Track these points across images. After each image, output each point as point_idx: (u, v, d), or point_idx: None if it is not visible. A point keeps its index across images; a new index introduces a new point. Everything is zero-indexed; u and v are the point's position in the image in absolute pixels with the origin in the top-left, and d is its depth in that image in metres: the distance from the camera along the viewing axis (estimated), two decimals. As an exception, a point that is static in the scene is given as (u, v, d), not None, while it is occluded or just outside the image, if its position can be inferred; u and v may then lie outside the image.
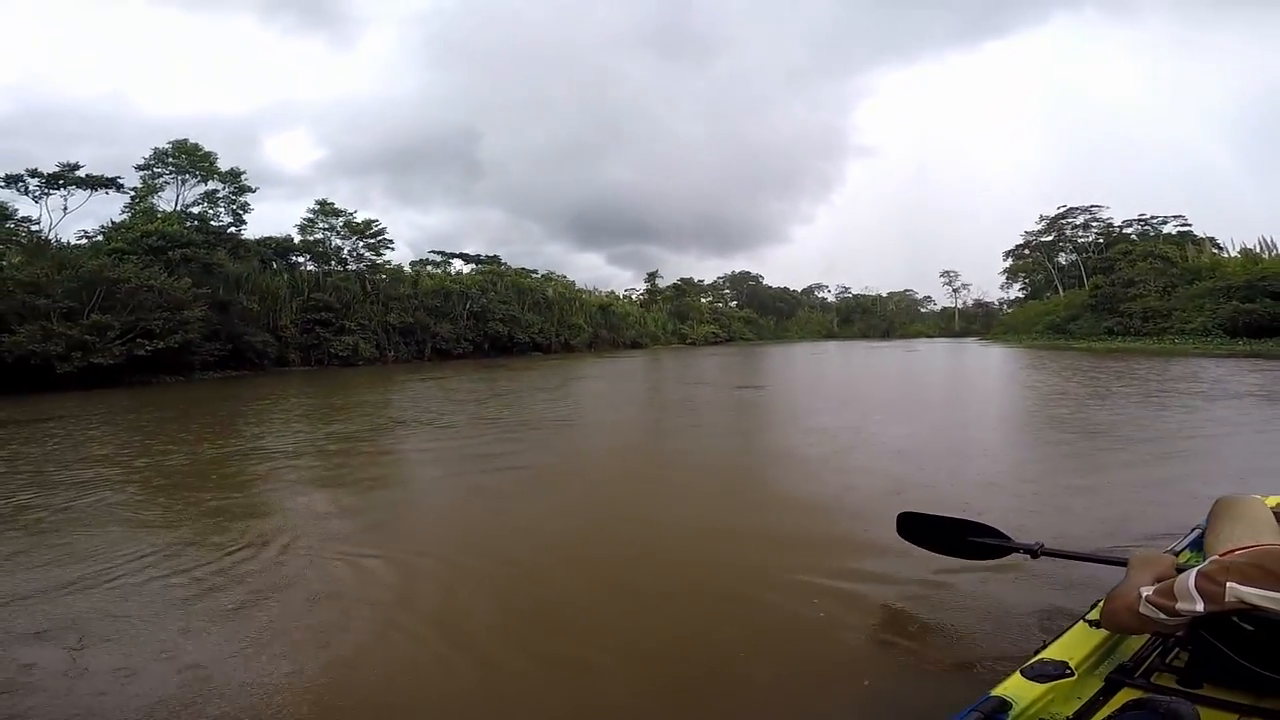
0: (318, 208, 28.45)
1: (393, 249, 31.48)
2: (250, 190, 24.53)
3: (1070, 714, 1.31)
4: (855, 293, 78.34)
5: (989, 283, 76.75)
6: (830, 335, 68.05)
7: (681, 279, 61.36)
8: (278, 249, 26.54)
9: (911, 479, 4.76)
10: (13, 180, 19.26)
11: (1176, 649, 1.49)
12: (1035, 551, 2.27)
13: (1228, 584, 1.18)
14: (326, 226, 28.54)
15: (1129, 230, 44.70)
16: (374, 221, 29.95)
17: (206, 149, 22.96)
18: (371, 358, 27.32)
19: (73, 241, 20.34)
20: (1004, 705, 1.26)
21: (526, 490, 4.87)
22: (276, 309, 23.73)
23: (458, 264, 41.80)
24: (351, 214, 29.13)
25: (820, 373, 19.28)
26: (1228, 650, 1.26)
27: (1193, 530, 2.07)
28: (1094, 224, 47.68)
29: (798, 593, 2.76)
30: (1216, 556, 1.30)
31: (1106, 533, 3.31)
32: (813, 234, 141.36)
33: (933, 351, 31.51)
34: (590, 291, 48.42)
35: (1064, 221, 48.86)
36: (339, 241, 28.91)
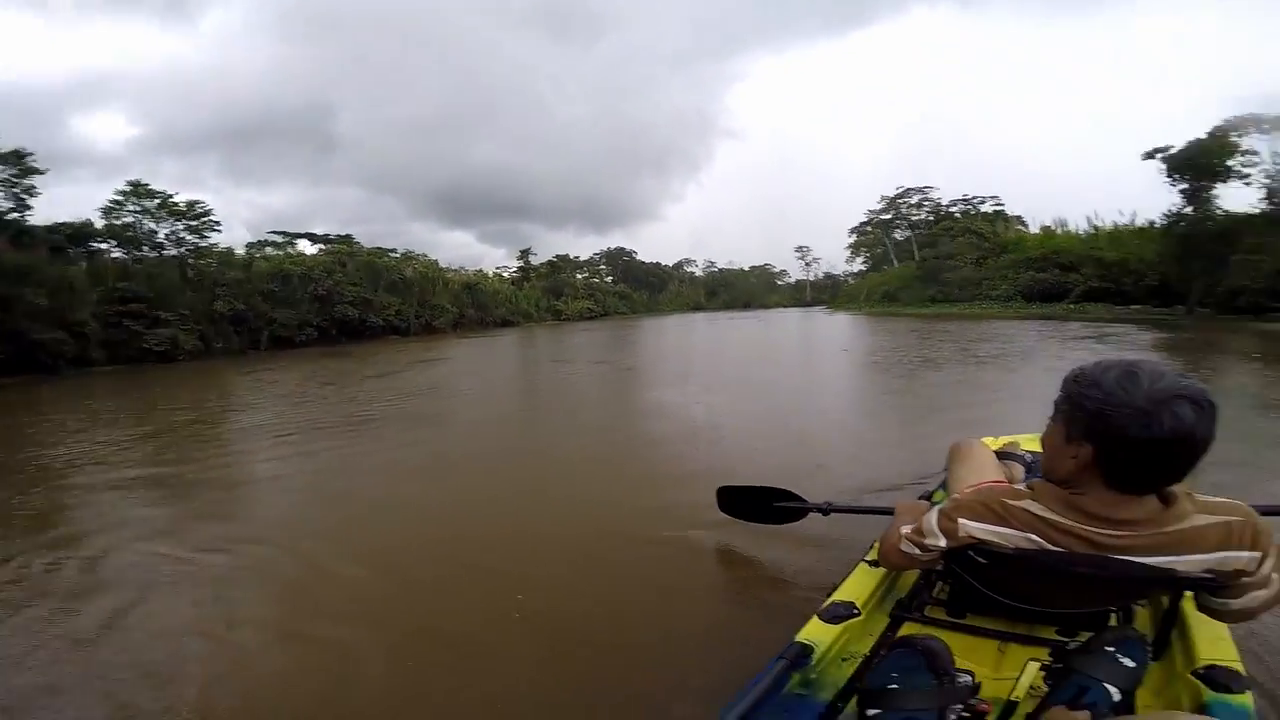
0: (129, 189, 25.25)
1: (219, 231, 28.74)
2: (38, 172, 21.34)
3: (867, 650, 1.41)
4: (720, 267, 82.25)
5: (837, 257, 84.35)
6: (698, 307, 70.98)
7: (557, 256, 61.32)
8: (74, 236, 23.36)
9: (745, 449, 5.18)
10: None
11: (939, 583, 1.62)
12: (826, 510, 2.53)
13: (959, 520, 1.26)
14: (139, 209, 25.41)
15: (954, 209, 50.05)
16: (198, 203, 27.19)
17: None
18: (195, 351, 24.95)
19: None
20: (806, 649, 1.33)
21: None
22: (72, 302, 21.00)
23: (304, 244, 39.05)
24: (170, 195, 26.15)
25: (683, 344, 20.47)
26: (974, 582, 1.35)
27: (941, 473, 2.23)
28: (926, 203, 52.99)
29: (621, 566, 2.94)
30: (954, 496, 1.38)
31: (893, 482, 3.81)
32: (683, 211, 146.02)
33: (782, 321, 34.61)
34: (456, 270, 46.99)
35: (901, 201, 53.90)
36: (153, 225, 25.88)
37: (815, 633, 1.41)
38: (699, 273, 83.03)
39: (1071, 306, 28.25)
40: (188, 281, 26.31)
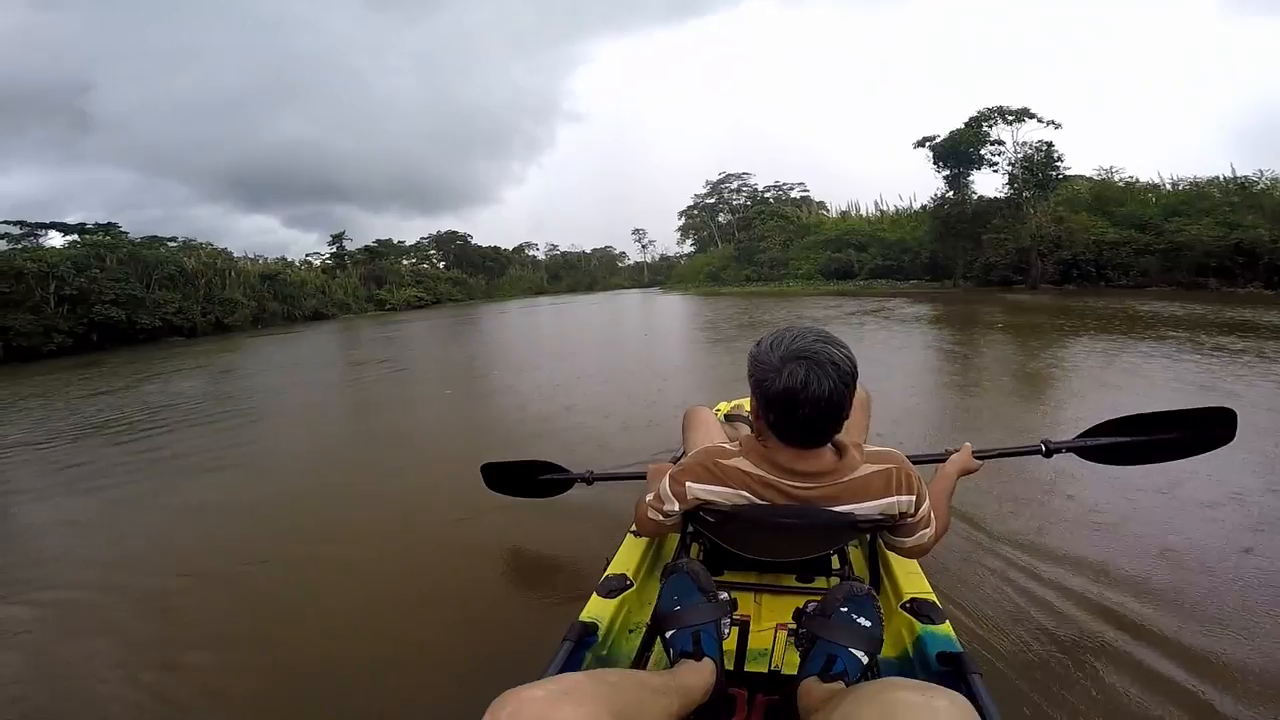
0: None
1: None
2: None
3: (649, 619, 1.41)
4: (563, 250, 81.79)
5: (670, 239, 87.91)
6: (541, 291, 70.13)
7: (377, 240, 56.77)
8: None
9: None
10: None
11: (693, 544, 1.64)
12: (589, 479, 2.53)
13: (686, 483, 1.31)
14: None
15: (768, 194, 53.85)
16: None
17: None
18: (-111, 371, 20.00)
19: None
20: (590, 627, 1.34)
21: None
22: None
23: (54, 236, 32.70)
24: None
25: (528, 333, 19.92)
26: (715, 539, 1.39)
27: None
28: (745, 189, 56.52)
29: (401, 559, 3.00)
30: (682, 460, 1.42)
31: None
32: (523, 194, 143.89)
33: (613, 303, 35.06)
34: (253, 259, 41.92)
35: (723, 186, 57.23)
36: None
37: (596, 609, 1.44)
38: (541, 256, 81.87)
39: (861, 283, 31.95)
40: None
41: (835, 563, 1.62)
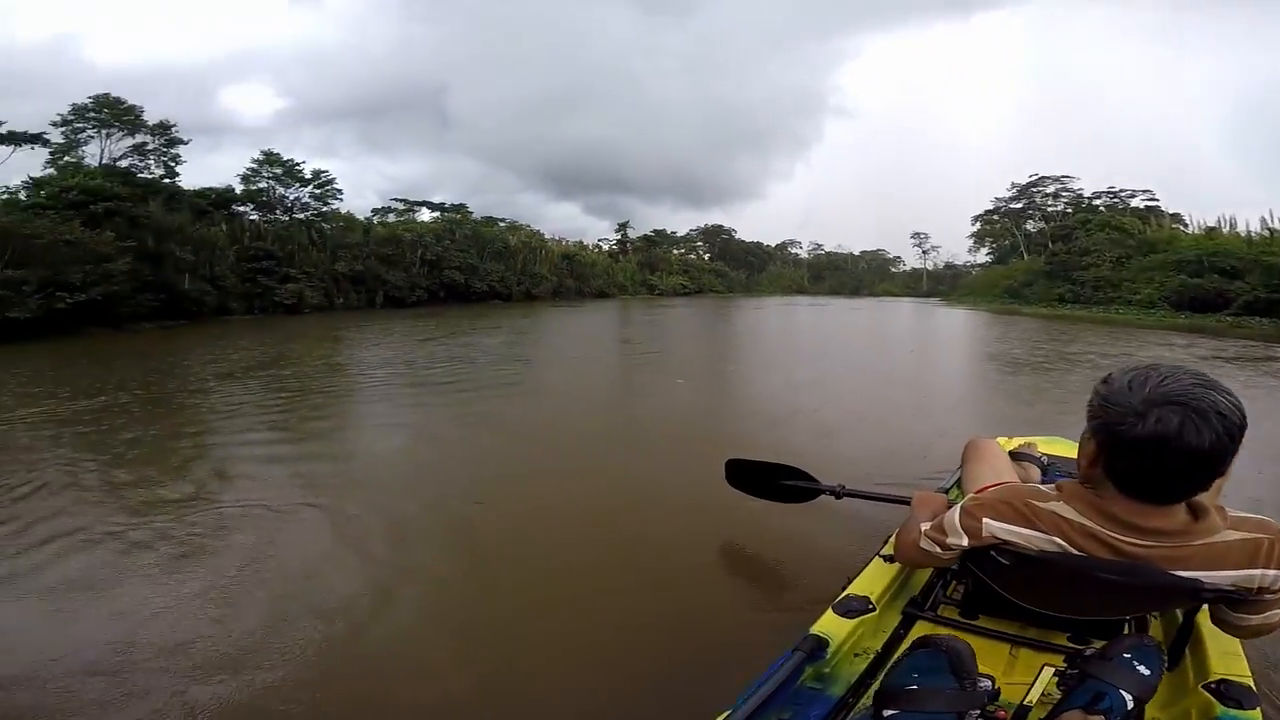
0: (261, 158, 27.92)
1: (340, 199, 31.16)
2: (183, 142, 24.09)
3: (879, 647, 1.41)
4: (828, 250, 78.46)
5: (958, 246, 78.40)
6: (801, 290, 68.48)
7: (654, 230, 61.19)
8: (217, 199, 26.14)
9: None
10: None
11: (953, 582, 1.61)
12: (838, 492, 2.44)
13: (984, 520, 1.23)
14: (271, 176, 28.06)
15: (1098, 201, 44.75)
16: (323, 172, 29.55)
17: (131, 102, 22.34)
18: (319, 305, 27.40)
19: (-1, 198, 20.00)
20: (822, 643, 1.33)
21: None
22: (215, 259, 23.66)
23: (424, 212, 41.39)
24: (299, 164, 28.68)
25: (782, 330, 19.72)
26: (991, 583, 1.32)
27: (956, 470, 2.19)
28: (1064, 194, 47.63)
29: (646, 541, 3.06)
30: (974, 494, 1.35)
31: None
32: (788, 191, 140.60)
33: (887, 312, 32.10)
34: (557, 241, 48.20)
35: (1035, 190, 48.80)
36: (284, 191, 28.50)
37: (830, 626, 1.40)
38: (804, 254, 79.92)
39: (1230, 319, 24.51)
40: (313, 243, 28.79)
41: (1127, 628, 1.45)
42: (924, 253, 72.06)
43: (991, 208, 52.73)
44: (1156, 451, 1.01)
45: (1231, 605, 1.16)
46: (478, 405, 6.92)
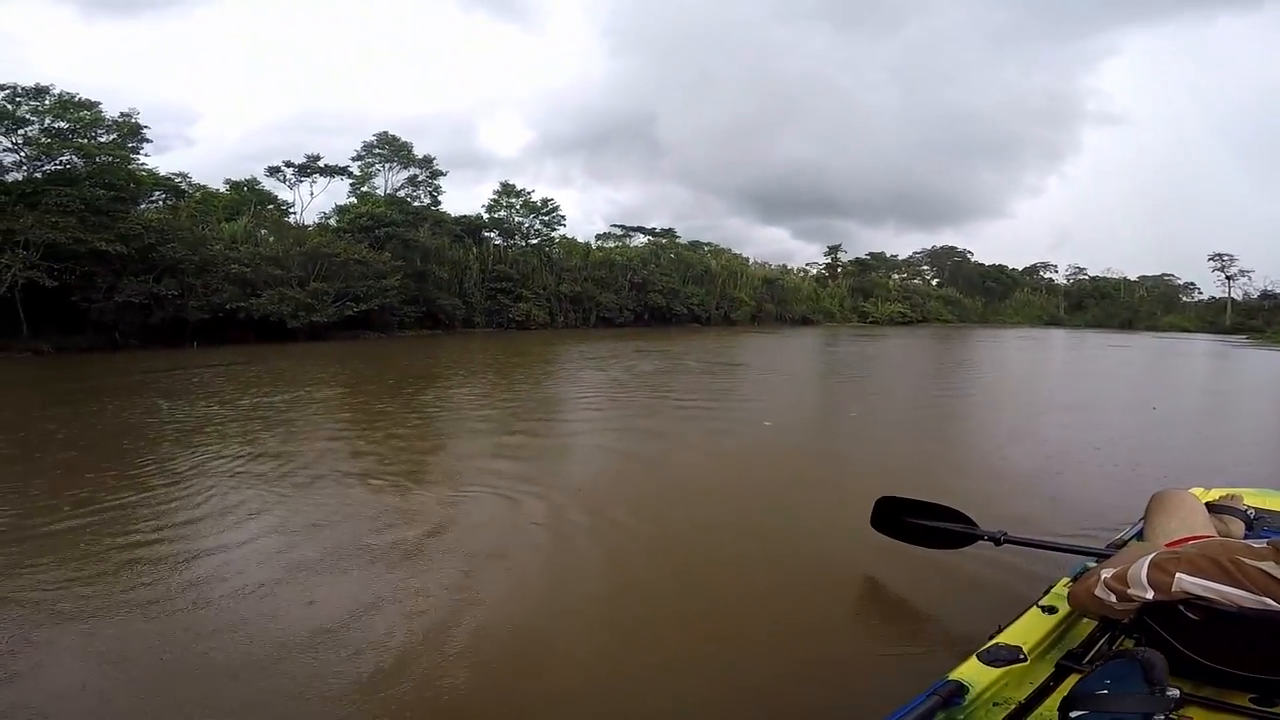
0: (501, 189, 32.36)
1: (564, 225, 34.71)
2: (442, 174, 29.06)
3: (1023, 698, 1.34)
4: (1092, 274, 66.05)
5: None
6: (1054, 322, 58.62)
7: (869, 253, 57.47)
8: (469, 226, 30.83)
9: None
10: (273, 171, 25.53)
11: (1122, 636, 1.53)
12: (999, 539, 2.35)
13: (1176, 574, 1.21)
14: (508, 205, 32.32)
15: None
16: (550, 200, 33.30)
17: (404, 139, 27.66)
18: (543, 322, 30.80)
19: (315, 221, 26.02)
20: (961, 689, 1.30)
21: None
22: (465, 278, 27.85)
23: (638, 237, 44.16)
24: (529, 194, 32.68)
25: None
26: (1170, 639, 1.29)
27: (1137, 523, 2.11)
28: None
29: (793, 580, 2.99)
30: (1164, 547, 1.35)
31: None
32: (1039, 208, 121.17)
33: (1164, 348, 25.60)
34: (759, 264, 47.84)
35: None
36: (520, 218, 32.59)
37: (972, 673, 1.36)
38: (1060, 279, 68.55)
39: None
40: (543, 266, 32.44)
41: None
42: (1228, 278, 56.91)
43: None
44: None
45: None
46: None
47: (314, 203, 27.34)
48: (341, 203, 27.04)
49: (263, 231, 21.50)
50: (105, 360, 13.34)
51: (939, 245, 67.40)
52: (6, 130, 14.86)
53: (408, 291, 23.15)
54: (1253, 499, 2.19)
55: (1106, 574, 1.34)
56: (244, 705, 1.98)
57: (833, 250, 56.90)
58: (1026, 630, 1.55)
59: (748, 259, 47.36)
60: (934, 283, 62.36)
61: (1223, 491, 2.25)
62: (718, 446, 6.00)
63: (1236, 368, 17.84)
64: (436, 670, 2.15)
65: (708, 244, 46.77)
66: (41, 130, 15.28)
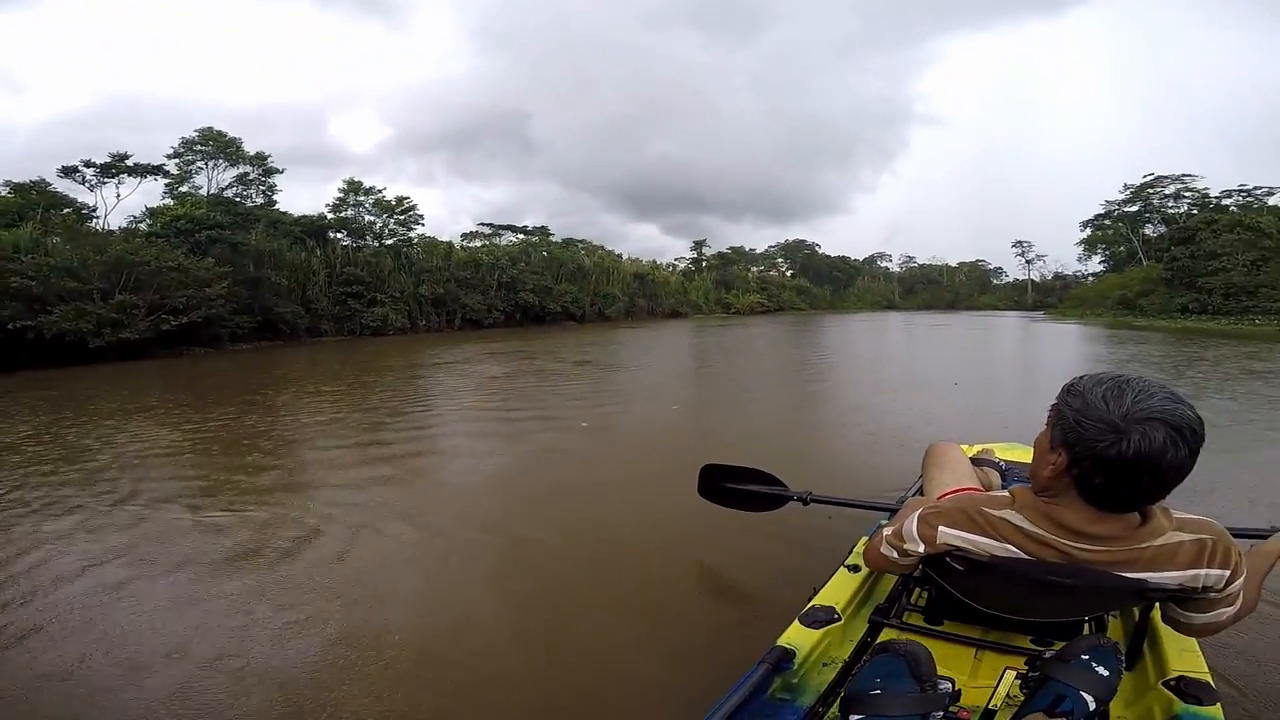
0: (346, 187, 30.12)
1: (422, 225, 32.97)
2: (278, 171, 26.28)
3: (846, 656, 1.44)
4: (921, 262, 74.46)
5: (1066, 254, 73.27)
6: (891, 306, 65.36)
7: (730, 248, 60.53)
8: (311, 227, 28.37)
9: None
10: (69, 171, 21.77)
11: (916, 589, 1.64)
12: (806, 499, 2.42)
13: (939, 527, 1.26)
14: (355, 204, 30.20)
15: (1228, 201, 39.99)
16: (405, 198, 31.45)
17: (232, 135, 24.67)
18: (402, 327, 28.96)
19: (122, 226, 22.70)
20: (789, 654, 1.36)
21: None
22: (308, 283, 25.63)
23: (508, 235, 43.07)
24: (381, 191, 30.70)
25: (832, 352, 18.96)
26: (950, 588, 1.36)
27: (918, 480, 2.20)
28: (1187, 194, 42.90)
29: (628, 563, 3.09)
30: (933, 502, 1.38)
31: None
32: (875, 203, 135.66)
33: (979, 324, 29.63)
34: (630, 260, 48.65)
35: (1151, 191, 44.36)
36: (370, 218, 30.56)
37: (796, 637, 1.42)
38: (894, 267, 76.41)
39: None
40: (399, 267, 30.64)
41: (1086, 629, 1.46)
42: (1028, 262, 66.80)
43: (1103, 211, 48.31)
44: (1137, 469, 1.02)
45: (1180, 604, 1.20)
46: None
47: (124, 205, 23.44)
48: (156, 205, 23.79)
49: (54, 240, 18.40)
50: None
51: (791, 239, 72.70)
52: None
53: (239, 300, 20.78)
54: (1003, 452, 2.41)
55: (887, 531, 1.39)
56: None
57: (698, 245, 59.32)
58: (838, 590, 1.62)
59: (620, 255, 48.00)
60: (788, 274, 66.99)
61: (981, 446, 2.45)
62: (564, 448, 5.88)
63: (1029, 343, 20.95)
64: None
65: (581, 241, 46.76)
66: None
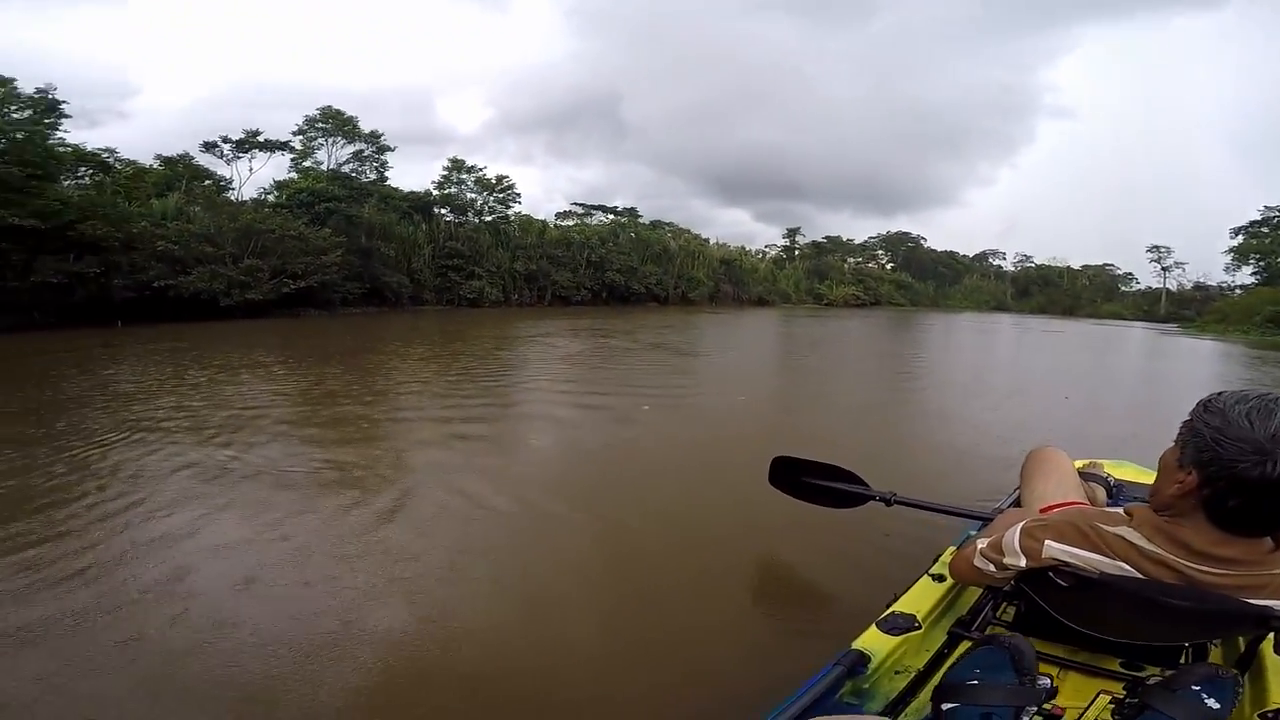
0: (450, 165, 31.47)
1: (519, 202, 34.07)
2: (390, 149, 27.90)
3: (921, 665, 1.40)
4: (1039, 262, 68.48)
5: (1210, 264, 64.82)
6: (1001, 307, 60.68)
7: (826, 237, 58.29)
8: (418, 203, 29.97)
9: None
10: (209, 146, 24.25)
11: (1004, 603, 1.60)
12: (889, 500, 2.35)
13: (1045, 541, 1.22)
14: (459, 181, 31.50)
15: None
16: (504, 177, 32.55)
17: (349, 114, 26.38)
18: (496, 300, 30.30)
19: (253, 197, 24.89)
20: (863, 658, 1.35)
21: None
22: (414, 255, 27.14)
23: (599, 216, 43.58)
24: (482, 170, 31.91)
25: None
26: (1045, 605, 1.32)
27: (1013, 491, 2.14)
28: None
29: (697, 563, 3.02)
30: (1038, 513, 1.36)
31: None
32: (990, 197, 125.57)
33: (1096, 338, 26.93)
34: (717, 245, 47.98)
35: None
36: (472, 195, 31.82)
37: (872, 642, 1.40)
38: (1008, 266, 70.85)
39: None
40: (497, 243, 31.83)
41: (1184, 656, 1.38)
42: (1164, 270, 59.63)
43: (1259, 218, 42.38)
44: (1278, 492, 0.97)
45: None
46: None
47: (255, 178, 25.75)
48: (283, 179, 25.93)
49: (195, 208, 20.46)
50: (24, 340, 12.59)
51: (894, 231, 68.78)
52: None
53: (351, 268, 22.43)
54: (1112, 469, 2.27)
55: (982, 543, 1.35)
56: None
57: (791, 233, 57.56)
58: (920, 598, 1.58)
59: (708, 239, 47.51)
60: (888, 267, 63.70)
61: (1086, 461, 2.28)
62: (664, 427, 6.04)
63: (1156, 358, 18.85)
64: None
65: (669, 224, 46.61)
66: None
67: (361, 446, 4.79)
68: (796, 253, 55.79)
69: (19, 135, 15.05)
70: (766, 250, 56.63)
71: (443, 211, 31.60)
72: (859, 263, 60.27)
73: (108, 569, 2.71)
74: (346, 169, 26.44)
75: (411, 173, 52.23)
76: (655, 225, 44.11)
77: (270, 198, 24.62)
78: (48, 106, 16.18)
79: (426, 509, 3.53)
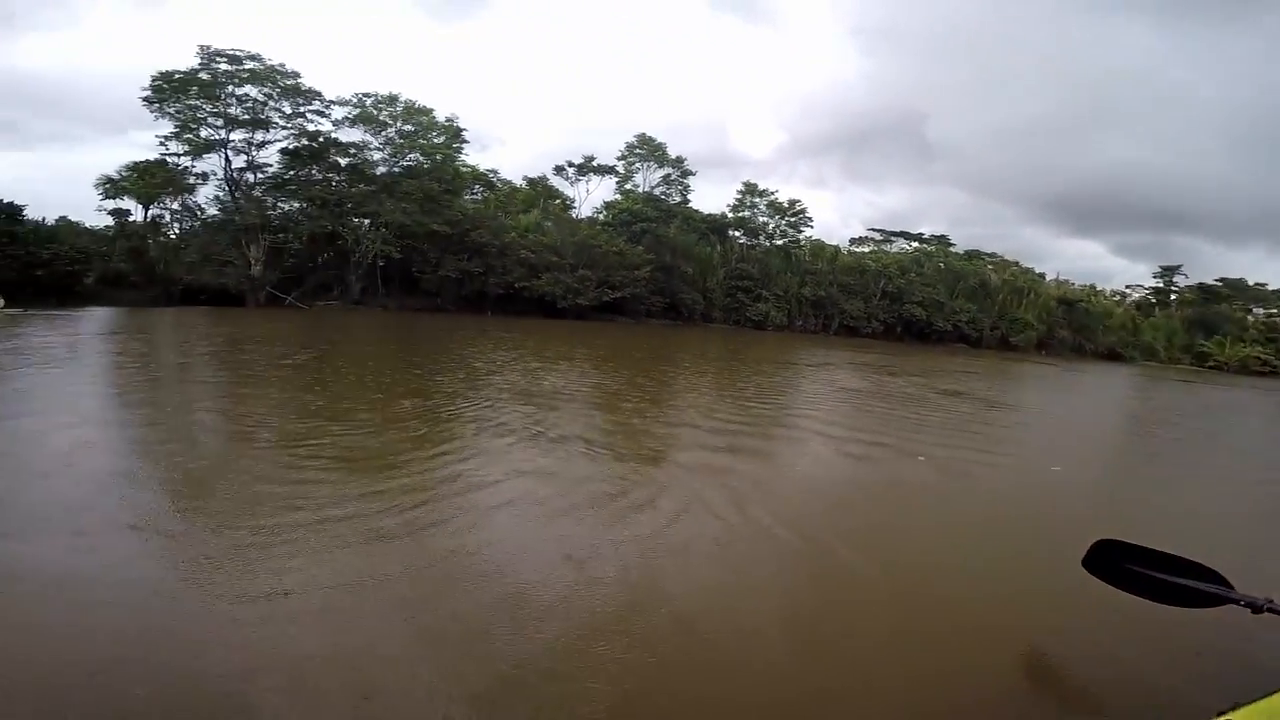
0: (744, 189, 32.66)
1: (811, 226, 33.76)
2: (692, 174, 30.32)
3: None
4: None
5: None
6: None
7: (1220, 279, 44.14)
8: (715, 225, 31.77)
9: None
10: (558, 170, 29.68)
11: None
12: (1260, 606, 1.98)
13: None
14: (751, 205, 32.59)
15: None
16: (796, 201, 32.69)
17: (659, 140, 29.46)
18: (780, 324, 30.44)
19: (588, 215, 29.54)
20: None
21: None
22: (708, 274, 29.06)
23: (899, 242, 40.81)
24: (774, 194, 32.49)
25: None
26: None
27: None
28: None
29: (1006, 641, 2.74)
30: None
31: None
32: None
33: None
34: (1056, 282, 40.31)
35: None
36: (764, 218, 32.68)
37: None
38: None
39: None
40: (786, 266, 32.10)
41: None
42: None
43: None
44: None
45: None
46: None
47: (590, 198, 30.62)
48: (609, 199, 30.28)
49: (548, 224, 25.18)
50: (431, 318, 17.33)
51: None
52: (375, 132, 20.26)
53: (656, 283, 25.01)
54: None
55: None
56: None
57: (1167, 272, 44.97)
58: (1269, 714, 1.34)
59: (1043, 274, 40.45)
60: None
61: None
62: (937, 484, 5.46)
63: None
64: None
65: (990, 255, 40.73)
66: (396, 132, 20.49)
67: (642, 442, 5.50)
68: (1174, 297, 43.76)
69: (438, 157, 20.69)
70: (1128, 292, 45.63)
71: (736, 234, 32.98)
72: (1271, 315, 44.58)
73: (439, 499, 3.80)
74: (657, 191, 29.66)
75: (709, 195, 55.95)
76: (972, 255, 39.15)
77: (600, 216, 28.97)
78: (454, 133, 21.80)
79: (679, 512, 3.97)
